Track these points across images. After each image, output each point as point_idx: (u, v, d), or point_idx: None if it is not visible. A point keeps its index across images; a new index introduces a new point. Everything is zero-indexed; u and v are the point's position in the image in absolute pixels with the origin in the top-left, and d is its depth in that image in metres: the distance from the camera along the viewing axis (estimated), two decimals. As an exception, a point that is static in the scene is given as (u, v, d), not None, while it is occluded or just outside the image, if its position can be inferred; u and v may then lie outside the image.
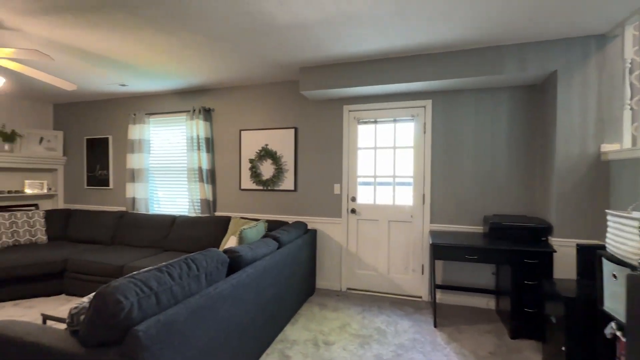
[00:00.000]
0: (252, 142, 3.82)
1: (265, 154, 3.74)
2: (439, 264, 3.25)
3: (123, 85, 3.84)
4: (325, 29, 2.41)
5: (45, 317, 2.03)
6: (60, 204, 4.72)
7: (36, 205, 4.50)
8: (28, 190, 4.35)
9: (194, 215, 3.91)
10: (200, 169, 3.87)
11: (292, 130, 3.66)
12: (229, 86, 3.92)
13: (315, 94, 3.35)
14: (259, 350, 2.21)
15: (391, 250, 3.43)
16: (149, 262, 3.11)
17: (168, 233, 3.77)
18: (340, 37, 2.55)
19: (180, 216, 3.85)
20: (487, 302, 3.12)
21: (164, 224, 3.83)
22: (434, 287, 2.77)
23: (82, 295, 3.27)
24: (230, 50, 2.80)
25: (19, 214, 3.75)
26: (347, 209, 3.53)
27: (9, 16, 2.22)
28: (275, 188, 3.75)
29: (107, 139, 4.51)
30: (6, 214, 3.66)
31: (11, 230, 3.63)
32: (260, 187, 3.80)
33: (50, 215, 4.05)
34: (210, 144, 3.97)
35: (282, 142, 3.71)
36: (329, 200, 3.58)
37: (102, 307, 1.23)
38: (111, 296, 1.23)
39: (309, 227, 3.65)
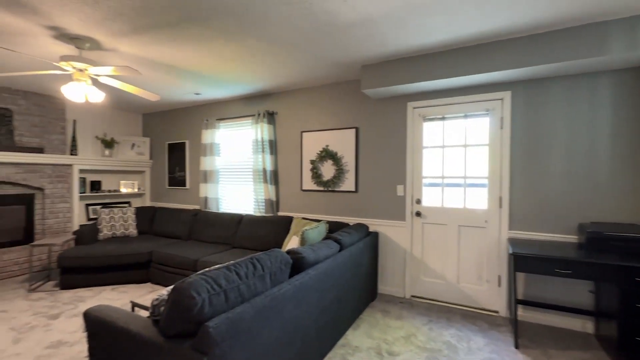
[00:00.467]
0: (313, 143, 3.85)
1: (326, 154, 3.73)
2: (520, 276, 2.87)
3: (197, 93, 4.19)
4: (390, 23, 2.29)
5: (134, 305, 2.28)
6: (147, 202, 5.36)
7: (129, 203, 5.17)
8: (123, 190, 5.02)
9: (258, 214, 4.08)
10: (264, 170, 4.02)
11: (353, 130, 3.59)
12: (291, 89, 4.01)
13: (377, 92, 3.23)
14: (321, 353, 2.18)
15: (461, 258, 3.14)
16: (218, 258, 3.32)
17: (236, 231, 3.99)
18: (407, 30, 2.40)
19: (246, 215, 4.05)
20: (582, 325, 2.66)
21: (232, 222, 4.07)
22: (515, 302, 2.45)
23: (164, 284, 3.63)
24: (293, 53, 2.84)
25: (115, 210, 4.33)
26: (412, 212, 3.34)
27: (107, 39, 2.56)
28: (336, 189, 3.72)
29: (184, 143, 4.98)
30: (106, 210, 4.26)
31: (110, 224, 4.20)
32: (321, 188, 3.80)
33: (139, 211, 4.59)
34: (273, 146, 4.11)
35: (342, 142, 3.66)
36: (392, 202, 3.43)
37: (178, 301, 1.31)
38: (186, 291, 1.31)
39: (371, 229, 3.54)
